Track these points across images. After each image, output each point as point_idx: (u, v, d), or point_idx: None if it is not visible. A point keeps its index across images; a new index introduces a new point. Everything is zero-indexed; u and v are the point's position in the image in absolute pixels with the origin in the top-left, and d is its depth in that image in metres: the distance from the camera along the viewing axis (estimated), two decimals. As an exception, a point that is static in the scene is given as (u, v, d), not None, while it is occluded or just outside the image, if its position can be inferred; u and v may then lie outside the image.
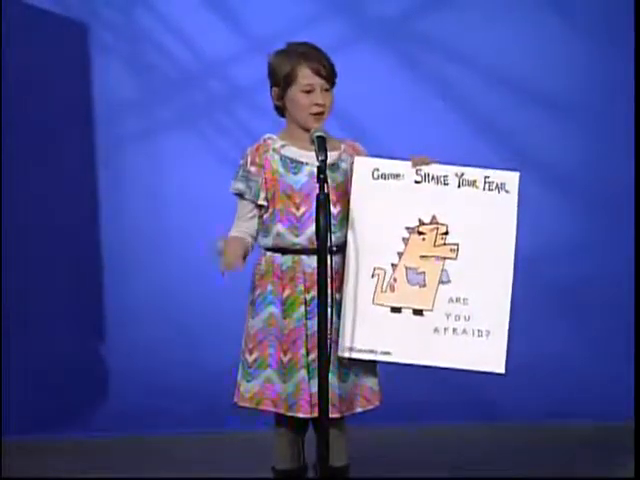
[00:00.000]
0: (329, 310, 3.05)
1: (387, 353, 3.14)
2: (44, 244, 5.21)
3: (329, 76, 3.23)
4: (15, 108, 5.16)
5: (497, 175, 3.15)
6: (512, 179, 3.14)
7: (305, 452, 3.43)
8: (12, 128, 5.16)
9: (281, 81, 3.22)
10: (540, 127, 5.18)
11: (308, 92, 3.21)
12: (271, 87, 3.28)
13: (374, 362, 3.30)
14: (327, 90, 3.23)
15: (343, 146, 3.31)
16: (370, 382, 3.32)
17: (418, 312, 3.14)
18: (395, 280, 3.14)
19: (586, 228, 5.19)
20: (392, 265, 3.14)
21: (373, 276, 3.14)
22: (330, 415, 3.17)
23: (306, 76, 3.20)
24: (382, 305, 3.14)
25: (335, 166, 3.25)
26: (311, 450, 3.33)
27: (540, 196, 4.99)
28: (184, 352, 5.16)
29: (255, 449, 3.68)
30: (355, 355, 3.17)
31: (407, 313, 3.14)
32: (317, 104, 3.21)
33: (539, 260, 4.83)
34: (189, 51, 5.28)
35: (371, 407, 3.32)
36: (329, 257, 2.99)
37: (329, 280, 2.99)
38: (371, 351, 3.15)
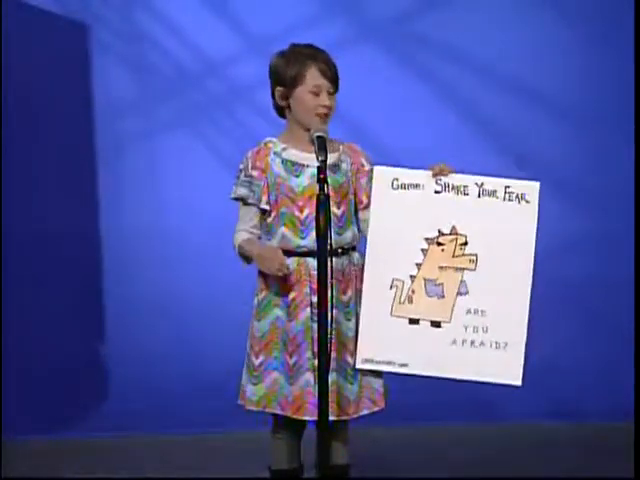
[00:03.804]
0: (334, 312, 3.07)
1: (404, 365, 3.14)
2: (44, 244, 5.21)
3: (335, 79, 3.24)
4: (15, 108, 5.16)
5: (517, 185, 3.14)
6: (532, 189, 3.14)
7: (302, 452, 3.43)
8: (12, 128, 5.15)
9: (287, 81, 3.21)
10: (539, 127, 5.17)
11: (315, 94, 3.21)
12: (274, 87, 3.26)
13: None
14: (331, 93, 3.24)
15: (342, 147, 3.31)
16: (376, 384, 3.31)
17: (436, 324, 3.13)
18: (413, 292, 3.13)
19: (586, 228, 5.18)
20: (411, 276, 3.13)
21: (392, 287, 3.14)
22: (337, 418, 3.20)
23: (315, 77, 3.20)
24: (400, 317, 3.13)
25: (336, 167, 3.26)
26: (311, 450, 3.33)
27: (540, 196, 4.99)
28: (184, 353, 5.15)
29: (255, 449, 3.67)
30: (372, 367, 3.17)
31: (425, 325, 3.13)
32: (324, 105, 3.21)
33: (539, 260, 4.82)
34: (189, 51, 5.28)
35: (377, 409, 3.32)
36: (332, 258, 3.00)
37: (329, 281, 2.99)
38: (389, 363, 3.15)
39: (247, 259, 3.28)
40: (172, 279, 5.22)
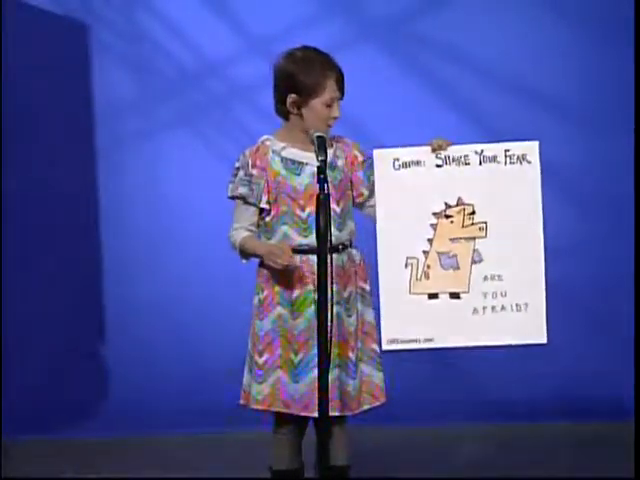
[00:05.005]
0: (336, 308, 3.10)
1: (430, 340, 3.15)
2: (44, 244, 5.21)
3: (344, 88, 3.25)
4: (15, 108, 5.16)
5: (517, 147, 3.16)
6: (532, 149, 3.16)
7: (303, 452, 3.43)
8: (12, 127, 5.16)
9: (303, 90, 3.18)
10: (539, 127, 5.16)
11: (329, 105, 3.21)
12: (285, 93, 3.21)
13: (381, 358, 3.31)
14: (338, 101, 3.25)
15: (334, 143, 3.31)
16: (377, 379, 3.32)
17: (455, 295, 3.14)
18: (428, 267, 3.14)
19: (586, 228, 5.18)
20: (424, 252, 3.14)
21: (406, 266, 3.14)
22: (340, 414, 3.20)
23: (332, 90, 3.20)
24: (419, 293, 3.14)
25: (333, 164, 3.26)
26: (311, 450, 3.33)
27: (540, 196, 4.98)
28: (184, 353, 5.16)
29: (255, 449, 3.68)
30: (399, 346, 3.17)
31: (444, 298, 3.14)
32: (334, 117, 3.23)
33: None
34: (189, 51, 5.29)
35: (378, 404, 3.32)
36: (332, 256, 3.00)
37: (329, 279, 2.99)
38: (414, 340, 3.15)
39: (247, 256, 3.27)
40: (172, 279, 5.23)
